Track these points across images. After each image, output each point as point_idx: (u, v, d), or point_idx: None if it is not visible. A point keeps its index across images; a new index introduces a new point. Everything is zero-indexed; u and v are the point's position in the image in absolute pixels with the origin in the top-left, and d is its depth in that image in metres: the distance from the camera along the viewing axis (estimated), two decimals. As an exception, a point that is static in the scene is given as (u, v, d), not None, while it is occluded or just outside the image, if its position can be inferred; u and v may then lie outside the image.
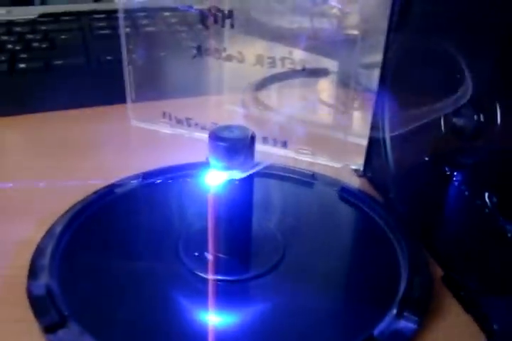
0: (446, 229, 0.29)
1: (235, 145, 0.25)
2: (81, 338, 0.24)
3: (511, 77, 0.24)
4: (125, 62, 0.43)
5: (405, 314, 0.25)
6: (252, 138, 0.26)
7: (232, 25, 0.37)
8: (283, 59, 0.37)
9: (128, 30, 0.45)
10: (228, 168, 0.26)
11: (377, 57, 0.34)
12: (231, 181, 0.26)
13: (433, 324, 0.26)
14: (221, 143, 0.25)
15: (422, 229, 0.31)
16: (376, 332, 0.24)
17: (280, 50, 0.37)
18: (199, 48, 0.39)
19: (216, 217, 0.28)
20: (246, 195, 0.27)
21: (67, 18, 0.58)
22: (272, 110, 0.44)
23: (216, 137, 0.25)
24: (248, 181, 0.27)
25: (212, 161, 0.26)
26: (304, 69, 0.38)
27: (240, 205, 0.27)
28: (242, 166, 0.26)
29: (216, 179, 0.26)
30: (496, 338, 0.25)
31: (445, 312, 0.27)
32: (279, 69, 0.37)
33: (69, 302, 0.26)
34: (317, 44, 0.38)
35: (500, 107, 0.25)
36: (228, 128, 0.26)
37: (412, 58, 0.32)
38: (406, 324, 0.25)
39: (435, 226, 0.30)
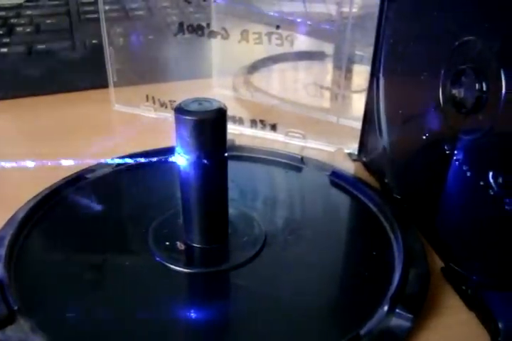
0: (447, 216, 0.26)
1: (203, 119, 0.22)
2: (32, 336, 0.21)
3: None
4: (106, 45, 0.40)
5: (398, 311, 0.22)
6: (223, 112, 0.23)
7: (214, -1, 0.35)
8: (269, 34, 0.34)
9: (114, 13, 0.43)
10: (197, 146, 0.23)
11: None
12: (200, 162, 0.23)
13: (430, 322, 0.23)
14: (187, 117, 0.22)
15: (420, 216, 0.28)
16: (363, 331, 0.21)
17: (266, 25, 0.34)
18: (181, 25, 0.36)
19: (187, 202, 0.25)
20: (218, 177, 0.24)
21: (54, 2, 0.56)
22: (264, 93, 0.42)
23: (182, 110, 0.23)
24: (219, 162, 0.24)
25: (180, 139, 0.23)
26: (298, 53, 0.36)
27: (212, 189, 0.24)
28: (211, 144, 0.23)
29: (184, 160, 0.23)
30: (502, 338, 0.22)
31: (444, 309, 0.24)
32: (265, 45, 0.34)
33: (21, 296, 0.23)
34: (312, 28, 0.36)
35: (505, 74, 0.21)
36: (197, 100, 0.23)
37: (407, 35, 0.29)
38: (398, 322, 0.22)
39: (434, 213, 0.27)
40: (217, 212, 0.25)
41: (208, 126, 0.22)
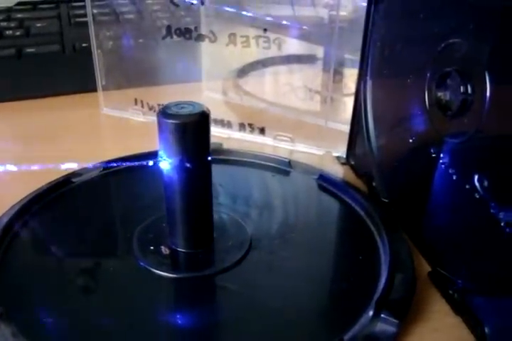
0: (434, 219, 0.26)
1: (185, 122, 0.22)
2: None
3: (503, 41, 0.21)
4: (94, 48, 0.40)
5: (383, 316, 0.22)
6: (206, 115, 0.22)
7: (202, 2, 0.34)
8: (257, 38, 0.34)
9: (104, 17, 0.43)
10: (179, 150, 0.23)
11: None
12: (183, 166, 0.23)
13: (416, 327, 0.23)
14: (170, 120, 0.22)
15: (407, 219, 0.28)
16: (347, 337, 0.21)
17: (254, 28, 0.34)
18: (169, 28, 0.36)
19: (171, 206, 0.25)
20: (202, 181, 0.24)
21: (45, 6, 0.56)
22: (253, 96, 0.41)
23: (165, 114, 0.22)
24: (203, 166, 0.23)
25: (163, 143, 0.23)
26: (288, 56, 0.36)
27: (196, 193, 0.24)
28: (194, 147, 0.23)
29: (167, 164, 0.23)
30: (488, 343, 0.21)
31: (431, 314, 0.24)
32: (253, 49, 0.34)
33: (3, 301, 0.23)
34: (300, 31, 0.36)
35: (489, 76, 0.21)
36: (179, 104, 0.23)
37: (393, 38, 0.29)
38: (384, 327, 0.22)
39: (422, 217, 0.27)
40: (202, 216, 0.25)
41: (191, 130, 0.22)
